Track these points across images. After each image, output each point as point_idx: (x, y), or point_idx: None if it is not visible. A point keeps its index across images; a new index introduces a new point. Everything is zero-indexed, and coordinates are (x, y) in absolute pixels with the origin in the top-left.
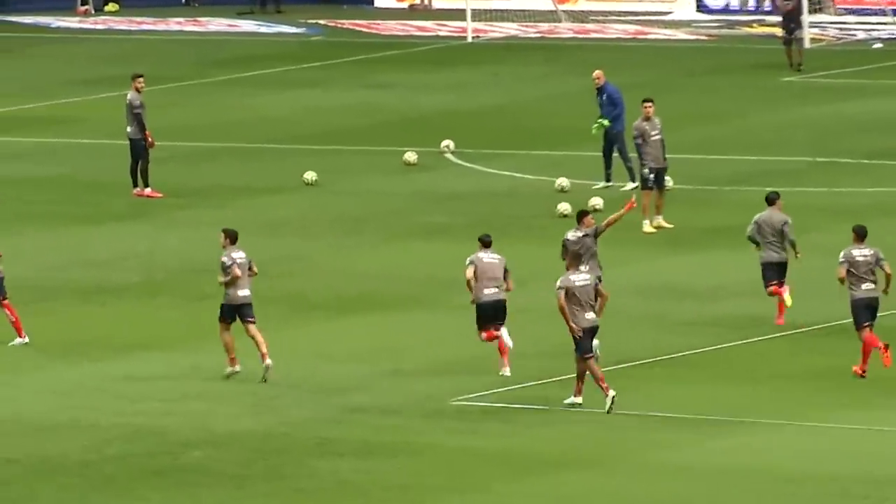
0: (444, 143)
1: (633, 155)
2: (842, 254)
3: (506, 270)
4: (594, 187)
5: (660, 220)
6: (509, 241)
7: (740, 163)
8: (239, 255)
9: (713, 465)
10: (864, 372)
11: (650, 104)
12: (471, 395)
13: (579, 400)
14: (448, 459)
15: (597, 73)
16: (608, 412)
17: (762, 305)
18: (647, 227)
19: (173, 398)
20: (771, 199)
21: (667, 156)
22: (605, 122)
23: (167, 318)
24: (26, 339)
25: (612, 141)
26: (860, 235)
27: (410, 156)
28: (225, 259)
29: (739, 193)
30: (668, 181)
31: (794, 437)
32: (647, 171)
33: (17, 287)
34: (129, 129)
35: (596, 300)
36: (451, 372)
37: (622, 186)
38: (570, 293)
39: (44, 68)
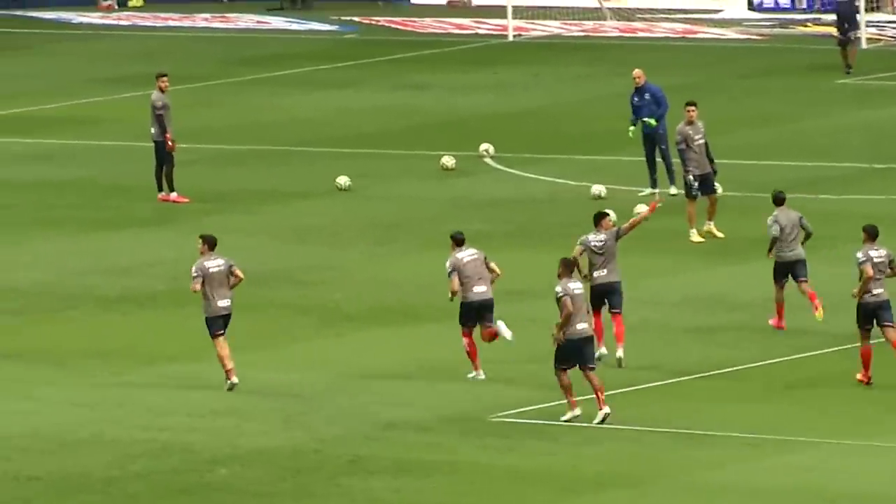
0: (483, 146)
1: (675, 160)
2: (860, 253)
3: (486, 262)
4: (640, 194)
5: (710, 227)
6: (548, 249)
7: (793, 169)
8: (216, 262)
9: (757, 484)
10: None
11: (693, 108)
12: (510, 412)
13: (606, 410)
14: (486, 478)
15: (637, 71)
16: (566, 421)
17: (813, 318)
18: (695, 236)
19: (200, 413)
20: (782, 199)
21: (715, 160)
22: (653, 122)
23: (193, 328)
24: None
25: (654, 143)
26: (872, 235)
27: (448, 160)
28: (193, 269)
29: (791, 201)
30: (718, 187)
31: (841, 456)
32: (690, 178)
33: (36, 294)
34: (152, 130)
35: None
36: (488, 386)
37: (667, 192)
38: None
39: (65, 66)
